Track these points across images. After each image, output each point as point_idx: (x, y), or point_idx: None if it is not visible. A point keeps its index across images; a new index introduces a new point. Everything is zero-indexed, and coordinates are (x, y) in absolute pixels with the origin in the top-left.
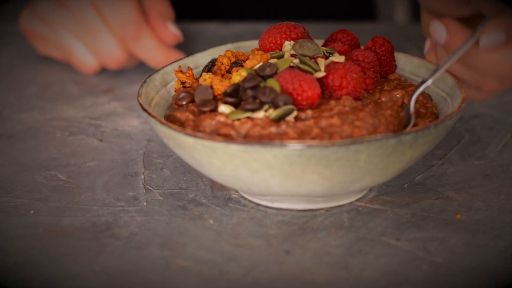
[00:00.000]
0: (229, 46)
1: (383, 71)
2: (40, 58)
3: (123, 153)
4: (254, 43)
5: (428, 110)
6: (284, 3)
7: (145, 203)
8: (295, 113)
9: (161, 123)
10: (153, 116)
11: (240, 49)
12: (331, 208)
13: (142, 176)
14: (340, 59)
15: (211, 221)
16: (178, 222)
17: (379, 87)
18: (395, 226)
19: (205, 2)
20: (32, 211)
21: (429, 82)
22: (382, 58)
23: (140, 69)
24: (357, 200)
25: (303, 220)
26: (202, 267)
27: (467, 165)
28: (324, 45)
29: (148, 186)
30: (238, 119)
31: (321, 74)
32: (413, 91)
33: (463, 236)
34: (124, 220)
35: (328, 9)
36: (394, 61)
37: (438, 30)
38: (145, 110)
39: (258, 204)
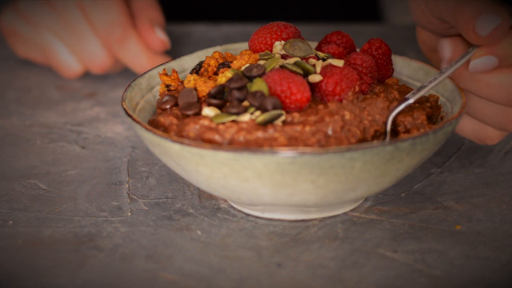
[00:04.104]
0: (217, 49)
1: (380, 75)
2: (19, 61)
3: (106, 161)
4: (244, 45)
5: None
6: (276, 4)
7: (129, 213)
8: (283, 117)
9: (146, 129)
10: (137, 122)
11: (229, 51)
12: (324, 218)
13: (127, 185)
14: (339, 63)
15: (199, 232)
16: (164, 233)
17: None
18: (392, 238)
19: (193, 3)
20: (10, 222)
21: (411, 101)
22: (379, 61)
23: (124, 73)
24: (352, 210)
25: (295, 231)
26: (189, 280)
27: (467, 174)
28: (318, 47)
29: (133, 196)
30: (223, 123)
31: (317, 78)
32: (392, 109)
33: (463, 248)
34: (107, 231)
35: (322, 10)
36: (391, 64)
37: (445, 49)
38: (129, 115)
39: (248, 214)
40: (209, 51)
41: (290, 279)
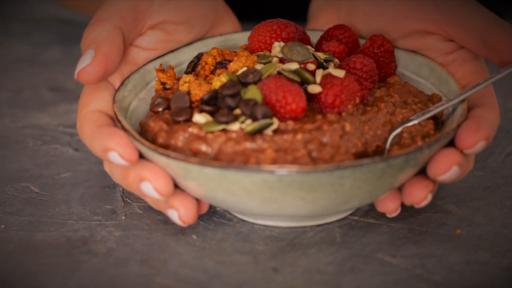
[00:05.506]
0: (217, 39)
1: (382, 73)
2: (11, 61)
3: (100, 164)
4: (243, 35)
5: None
6: (274, 1)
7: (123, 217)
8: (273, 126)
9: (134, 138)
10: (126, 129)
11: (228, 42)
12: (322, 223)
13: (120, 188)
14: (340, 73)
15: (194, 237)
16: (159, 237)
17: (372, 97)
18: (391, 242)
19: None
20: (3, 226)
21: (412, 123)
22: (381, 59)
23: None
24: (350, 214)
25: (292, 236)
26: (184, 286)
27: (467, 177)
28: (319, 42)
29: (127, 199)
30: (212, 132)
31: (316, 89)
32: (394, 128)
33: (463, 253)
34: (101, 235)
35: None
36: (394, 61)
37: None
38: (118, 121)
39: (244, 219)
40: (207, 42)
41: (287, 284)
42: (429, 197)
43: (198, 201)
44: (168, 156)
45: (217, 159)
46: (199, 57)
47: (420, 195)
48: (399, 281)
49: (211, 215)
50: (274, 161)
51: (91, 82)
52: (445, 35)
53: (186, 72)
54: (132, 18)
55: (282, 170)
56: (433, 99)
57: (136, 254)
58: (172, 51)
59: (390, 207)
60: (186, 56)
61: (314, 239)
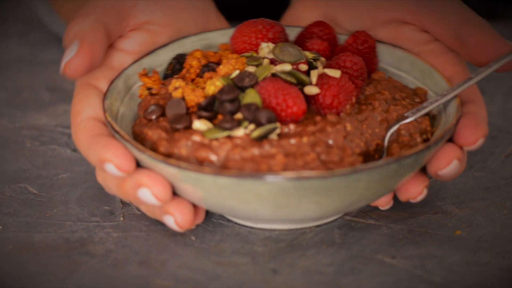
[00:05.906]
0: (192, 38)
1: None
2: (10, 61)
3: None
4: (219, 34)
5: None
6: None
7: (121, 218)
8: (278, 130)
9: (138, 149)
10: (127, 140)
11: (203, 41)
12: (321, 223)
13: None
14: (335, 73)
15: (193, 238)
16: (158, 238)
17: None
18: (391, 243)
19: None
20: (0, 227)
21: (408, 120)
22: (365, 55)
23: None
24: (349, 215)
25: (291, 237)
26: (183, 287)
27: (467, 177)
28: (300, 39)
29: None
30: (216, 139)
31: (314, 90)
32: (390, 126)
33: (463, 254)
34: (99, 236)
35: None
36: (377, 57)
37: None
38: (116, 132)
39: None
40: (183, 42)
41: (286, 286)
42: (425, 192)
43: (194, 208)
44: (179, 167)
45: (225, 167)
46: (177, 58)
47: (416, 190)
48: (399, 282)
49: (210, 216)
50: (285, 166)
51: (77, 75)
52: (420, 26)
53: (166, 75)
54: (115, 14)
55: (301, 176)
56: (418, 93)
57: (134, 255)
58: (147, 54)
59: (382, 199)
60: (162, 58)
61: (313, 240)
